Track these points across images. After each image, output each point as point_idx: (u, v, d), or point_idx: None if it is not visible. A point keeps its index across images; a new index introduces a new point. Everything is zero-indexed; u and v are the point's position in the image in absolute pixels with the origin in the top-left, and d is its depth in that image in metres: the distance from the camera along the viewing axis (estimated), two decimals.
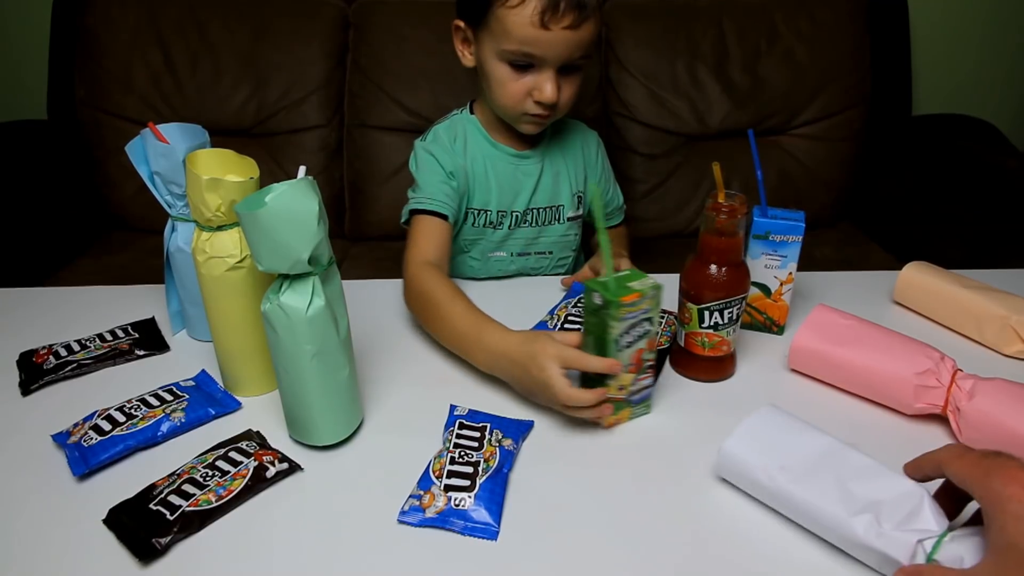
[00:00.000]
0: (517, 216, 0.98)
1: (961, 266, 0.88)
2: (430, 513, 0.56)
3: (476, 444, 0.62)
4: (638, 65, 1.55)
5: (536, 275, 1.02)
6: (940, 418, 0.67)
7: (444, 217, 0.89)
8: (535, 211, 0.98)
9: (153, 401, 0.67)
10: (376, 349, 0.78)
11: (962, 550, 0.46)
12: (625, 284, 0.62)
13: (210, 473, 0.58)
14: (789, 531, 0.55)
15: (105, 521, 0.55)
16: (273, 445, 0.63)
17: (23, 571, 0.52)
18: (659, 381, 0.73)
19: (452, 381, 0.74)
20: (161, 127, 0.72)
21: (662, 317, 0.82)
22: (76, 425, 0.64)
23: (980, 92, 1.92)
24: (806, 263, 0.80)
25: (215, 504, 0.56)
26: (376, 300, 0.88)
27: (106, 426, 0.63)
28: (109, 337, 0.79)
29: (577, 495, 0.59)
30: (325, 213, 0.56)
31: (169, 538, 0.53)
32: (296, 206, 0.54)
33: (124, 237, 1.56)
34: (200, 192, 0.64)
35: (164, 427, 0.64)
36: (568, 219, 1.01)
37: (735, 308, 0.71)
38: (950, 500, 0.51)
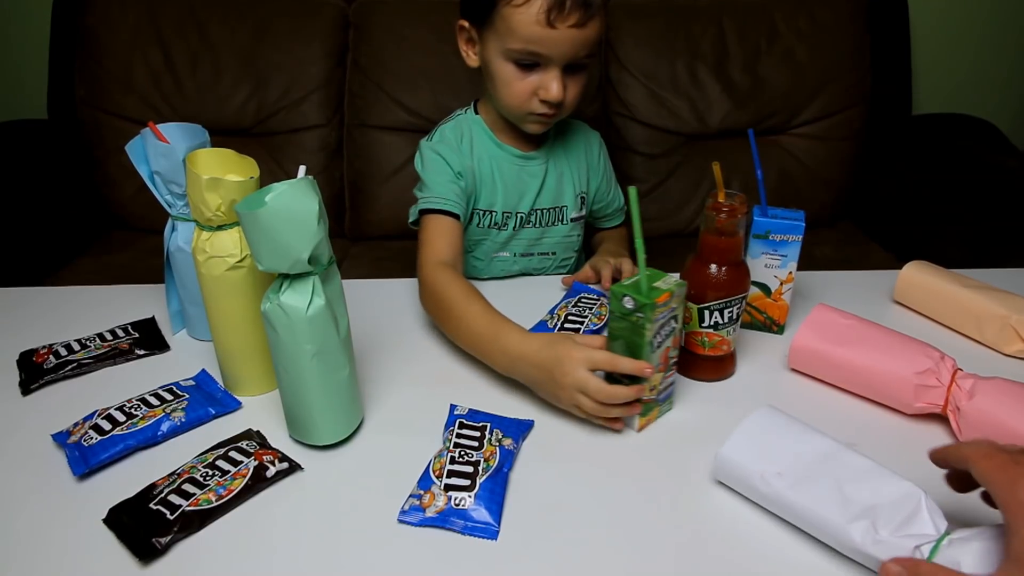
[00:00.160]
0: (521, 217, 0.98)
1: (961, 266, 0.88)
2: (430, 513, 0.56)
3: (476, 444, 0.62)
4: (638, 65, 1.55)
5: (539, 275, 1.02)
6: (940, 417, 0.67)
7: (456, 217, 0.88)
8: (539, 212, 0.98)
9: (153, 401, 0.67)
10: (376, 349, 0.78)
11: (959, 554, 0.46)
12: (652, 285, 0.62)
13: (210, 473, 0.58)
14: (788, 532, 0.55)
15: (105, 521, 0.55)
16: (273, 445, 0.63)
17: (23, 571, 0.52)
18: None
19: (452, 381, 0.74)
20: (161, 127, 0.72)
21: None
22: (76, 425, 0.64)
23: (980, 92, 1.91)
24: (806, 262, 0.80)
25: (215, 504, 0.56)
26: (376, 300, 0.88)
27: (106, 426, 0.63)
28: (109, 337, 0.79)
29: (577, 495, 0.59)
30: (325, 213, 0.56)
31: (169, 538, 0.53)
32: (296, 206, 0.54)
33: (124, 237, 1.56)
34: (200, 192, 0.64)
35: (164, 427, 0.64)
36: (571, 220, 1.01)
37: (735, 307, 0.71)
38: (961, 482, 0.50)
